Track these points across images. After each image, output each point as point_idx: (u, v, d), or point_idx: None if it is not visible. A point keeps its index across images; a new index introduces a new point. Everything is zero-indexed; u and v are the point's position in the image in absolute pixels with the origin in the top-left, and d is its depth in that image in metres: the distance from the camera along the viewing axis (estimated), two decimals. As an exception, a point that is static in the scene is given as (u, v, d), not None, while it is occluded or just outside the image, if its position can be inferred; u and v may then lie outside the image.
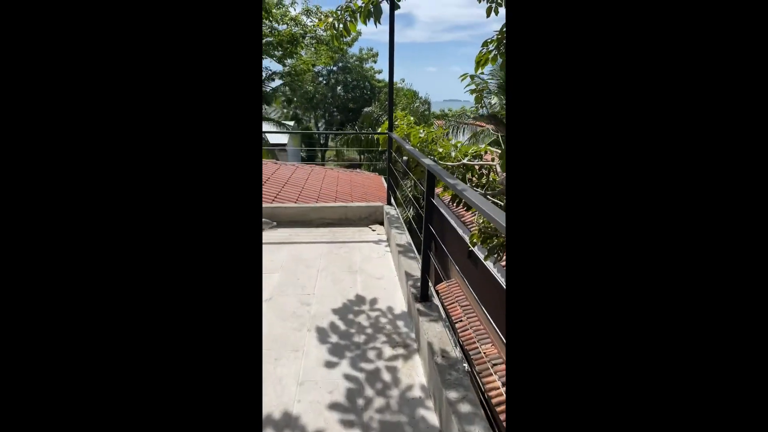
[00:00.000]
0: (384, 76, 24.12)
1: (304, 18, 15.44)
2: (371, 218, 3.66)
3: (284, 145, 17.36)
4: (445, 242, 7.17)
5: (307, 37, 15.40)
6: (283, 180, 6.72)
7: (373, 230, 3.48)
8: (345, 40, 3.44)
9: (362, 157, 12.06)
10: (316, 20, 16.15)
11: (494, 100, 13.24)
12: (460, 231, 6.39)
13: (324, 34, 16.12)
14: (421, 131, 4.01)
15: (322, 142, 25.34)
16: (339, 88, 23.25)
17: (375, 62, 23.56)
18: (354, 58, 22.53)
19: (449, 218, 6.72)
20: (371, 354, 1.87)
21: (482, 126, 13.45)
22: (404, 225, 3.13)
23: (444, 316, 2.01)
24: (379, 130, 4.45)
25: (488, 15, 3.69)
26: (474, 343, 5.31)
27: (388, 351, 1.89)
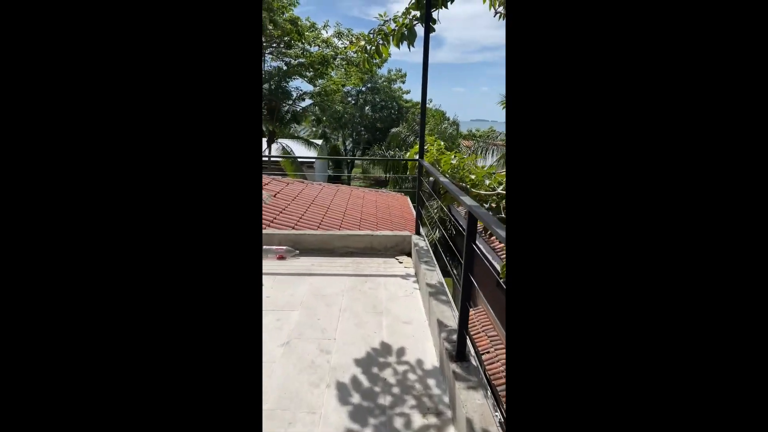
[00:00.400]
0: (412, 96, 24.31)
1: (335, 40, 15.87)
2: (398, 248, 3.43)
3: (312, 162, 17.61)
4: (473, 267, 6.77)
5: (338, 59, 15.76)
6: (309, 200, 6.66)
7: (400, 262, 3.24)
8: (375, 62, 3.33)
9: (388, 176, 11.94)
10: (348, 42, 16.56)
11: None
12: (489, 256, 6.03)
13: (354, 56, 16.47)
14: (453, 157, 3.80)
15: (349, 160, 25.63)
16: (367, 107, 23.60)
17: (403, 83, 23.82)
18: (383, 78, 22.88)
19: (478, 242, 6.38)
20: (398, 422, 1.61)
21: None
22: (434, 259, 2.88)
23: (480, 371, 1.72)
24: (408, 155, 4.26)
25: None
26: (502, 378, 4.88)
27: (417, 419, 1.63)
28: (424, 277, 2.59)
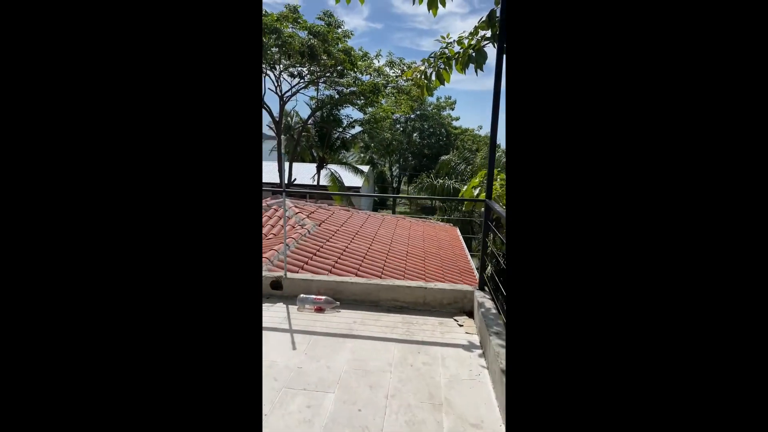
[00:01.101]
0: (461, 123, 23.92)
1: (387, 69, 16.04)
2: (457, 306, 2.86)
3: (359, 188, 17.61)
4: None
5: (388, 87, 15.87)
6: (354, 230, 6.31)
7: (460, 325, 2.67)
8: (433, 87, 2.93)
9: (434, 202, 11.40)
10: (399, 71, 16.69)
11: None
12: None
13: (405, 84, 16.51)
14: None
15: (395, 185, 25.49)
16: (415, 134, 23.53)
17: (452, 109, 23.55)
18: (432, 105, 22.79)
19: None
20: None
21: None
22: (505, 325, 2.29)
23: None
24: (467, 188, 3.72)
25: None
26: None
27: None
28: (496, 356, 1.99)
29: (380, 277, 4.09)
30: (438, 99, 22.94)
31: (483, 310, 2.52)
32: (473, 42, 2.75)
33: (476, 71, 2.71)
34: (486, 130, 24.92)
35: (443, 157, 12.29)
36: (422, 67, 2.88)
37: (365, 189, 19.42)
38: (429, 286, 2.89)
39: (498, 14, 2.52)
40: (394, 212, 23.68)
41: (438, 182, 10.85)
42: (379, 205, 24.48)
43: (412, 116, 22.56)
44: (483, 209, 2.84)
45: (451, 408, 1.86)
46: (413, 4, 2.63)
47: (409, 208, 25.23)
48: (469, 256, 6.89)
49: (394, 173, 25.94)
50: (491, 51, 2.58)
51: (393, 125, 21.10)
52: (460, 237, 8.21)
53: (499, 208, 2.54)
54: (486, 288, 2.82)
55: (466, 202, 3.49)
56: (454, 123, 23.82)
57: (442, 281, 4.31)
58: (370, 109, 16.08)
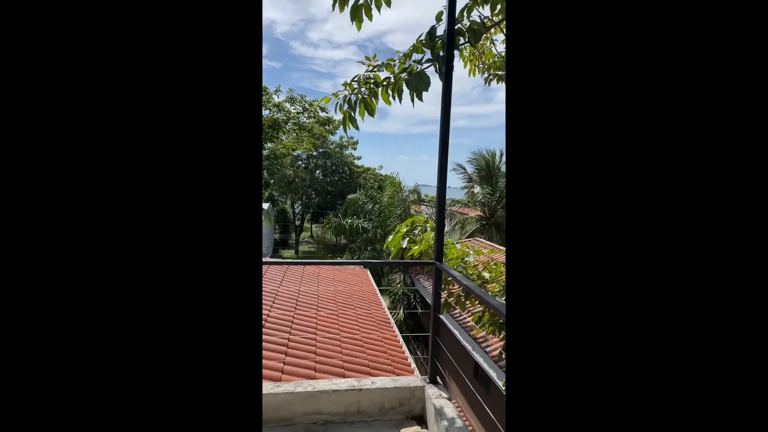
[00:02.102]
0: (363, 162, 24.22)
1: (287, 105, 15.33)
2: (403, 410, 2.09)
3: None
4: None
5: (289, 123, 15.09)
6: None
7: (413, 444, 1.89)
8: (332, 122, 2.29)
9: (341, 238, 10.67)
10: (300, 108, 16.13)
11: (476, 189, 12.83)
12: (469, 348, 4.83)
13: (307, 121, 15.96)
14: (456, 243, 2.73)
15: (297, 223, 24.05)
16: (318, 171, 22.90)
17: (355, 149, 23.81)
18: (334, 144, 22.66)
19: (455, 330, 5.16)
20: None
21: (465, 214, 12.75)
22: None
23: None
24: (393, 239, 3.08)
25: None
26: None
27: None
28: None
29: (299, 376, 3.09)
30: (341, 138, 22.95)
31: (439, 410, 1.81)
32: (405, 66, 2.22)
33: (413, 100, 2.16)
34: (389, 170, 25.68)
35: (350, 196, 11.79)
36: (345, 92, 2.23)
37: (266, 228, 17.73)
38: (364, 386, 2.06)
39: (441, 32, 2.06)
40: (297, 252, 22.07)
41: (347, 222, 10.22)
42: (280, 245, 22.65)
43: (315, 154, 21.99)
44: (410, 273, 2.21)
45: None
46: (332, 10, 2.00)
47: (315, 247, 23.97)
48: (383, 302, 6.26)
49: (297, 211, 24.60)
50: (434, 77, 2.07)
51: (294, 162, 20.10)
52: (370, 278, 7.58)
53: (453, 271, 1.93)
54: (440, 381, 2.13)
55: (393, 251, 2.87)
56: (357, 162, 24.04)
57: (360, 351, 3.50)
58: (269, 144, 14.97)
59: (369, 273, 7.97)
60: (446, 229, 11.37)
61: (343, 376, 2.80)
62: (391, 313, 8.08)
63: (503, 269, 2.55)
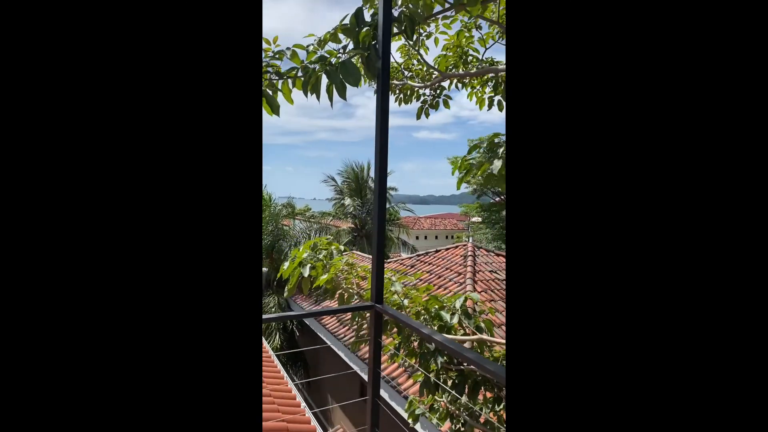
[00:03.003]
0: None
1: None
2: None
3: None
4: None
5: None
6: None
7: None
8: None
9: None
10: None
11: (347, 201, 12.96)
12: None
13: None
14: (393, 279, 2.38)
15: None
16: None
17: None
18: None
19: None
20: None
21: (337, 226, 12.66)
22: None
23: None
24: (291, 265, 2.52)
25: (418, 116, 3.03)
26: None
27: None
28: None
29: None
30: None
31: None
32: (315, 56, 1.76)
33: (331, 98, 1.70)
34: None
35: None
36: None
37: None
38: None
39: (372, 17, 1.69)
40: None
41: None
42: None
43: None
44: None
45: None
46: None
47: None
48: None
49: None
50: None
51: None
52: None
53: (399, 314, 1.57)
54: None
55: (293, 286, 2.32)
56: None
57: None
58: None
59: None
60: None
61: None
62: (266, 338, 7.01)
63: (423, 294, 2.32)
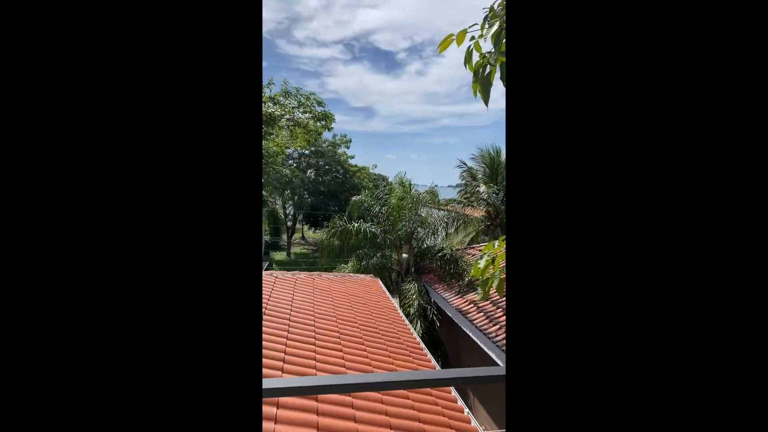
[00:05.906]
0: (356, 161, 23.42)
1: (282, 99, 14.45)
2: None
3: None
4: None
5: (283, 119, 14.19)
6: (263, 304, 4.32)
7: None
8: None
9: (346, 243, 9.88)
10: (296, 102, 15.22)
11: (482, 187, 12.26)
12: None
13: (302, 117, 15.09)
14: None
15: (289, 224, 23.09)
16: (310, 171, 22.00)
17: (348, 147, 22.99)
18: (327, 143, 21.79)
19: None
20: None
21: (465, 214, 12.08)
22: None
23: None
24: (485, 264, 2.34)
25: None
26: None
27: None
28: None
29: None
30: (334, 136, 22.10)
31: None
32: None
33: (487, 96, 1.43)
34: (381, 170, 24.97)
35: (354, 198, 10.96)
36: (494, 28, 1.45)
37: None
38: None
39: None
40: (289, 255, 21.17)
41: (353, 226, 9.46)
42: (270, 247, 21.69)
43: (306, 152, 21.06)
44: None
45: None
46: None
47: (308, 249, 23.11)
48: (406, 321, 5.58)
49: (288, 212, 23.63)
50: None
51: (285, 161, 19.11)
52: (383, 289, 6.89)
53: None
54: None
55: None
56: (351, 161, 23.22)
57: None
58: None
59: (381, 283, 7.28)
60: (449, 231, 10.70)
61: None
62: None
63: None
